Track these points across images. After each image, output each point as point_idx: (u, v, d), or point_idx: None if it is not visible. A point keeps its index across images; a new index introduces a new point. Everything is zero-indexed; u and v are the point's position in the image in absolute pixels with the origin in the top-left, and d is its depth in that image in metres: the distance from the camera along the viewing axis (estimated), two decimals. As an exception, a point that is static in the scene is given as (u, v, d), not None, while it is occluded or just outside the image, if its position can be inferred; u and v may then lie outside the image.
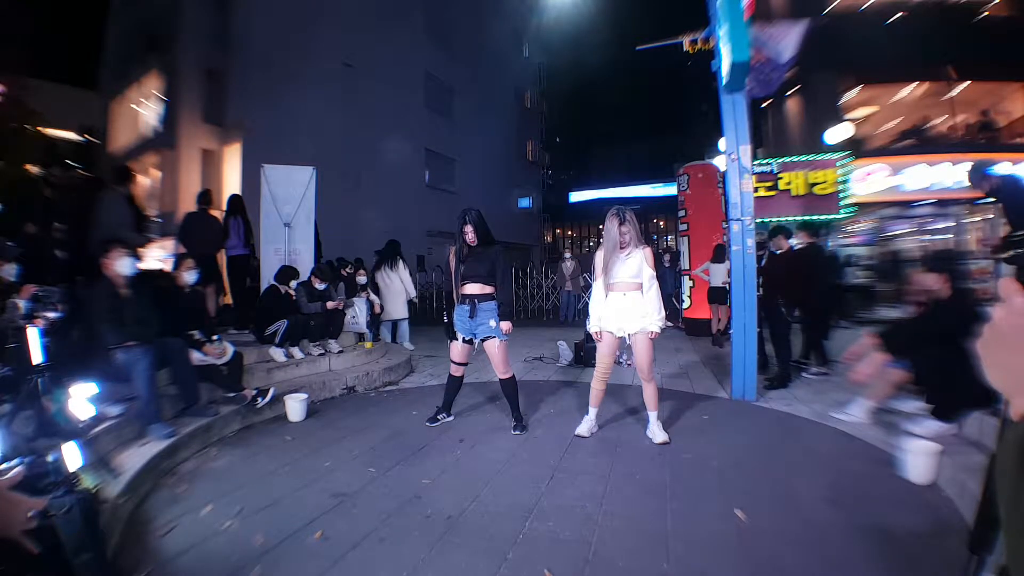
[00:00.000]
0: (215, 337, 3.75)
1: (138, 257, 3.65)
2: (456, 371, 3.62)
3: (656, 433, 3.22)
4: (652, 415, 3.28)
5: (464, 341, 3.49)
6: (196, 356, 3.56)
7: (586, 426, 3.39)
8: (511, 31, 22.71)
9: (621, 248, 3.16)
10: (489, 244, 3.43)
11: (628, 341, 3.24)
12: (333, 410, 4.18)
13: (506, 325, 3.39)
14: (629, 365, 5.31)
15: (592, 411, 3.41)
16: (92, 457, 2.37)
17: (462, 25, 18.62)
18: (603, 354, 3.29)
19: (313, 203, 5.99)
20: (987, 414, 2.74)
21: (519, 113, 23.91)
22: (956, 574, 0.90)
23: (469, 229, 3.37)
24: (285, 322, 4.58)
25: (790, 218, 9.95)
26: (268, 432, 3.63)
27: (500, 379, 3.53)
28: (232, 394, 3.73)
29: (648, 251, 3.18)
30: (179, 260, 3.94)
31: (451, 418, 3.78)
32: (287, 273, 4.91)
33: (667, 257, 9.69)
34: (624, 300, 3.16)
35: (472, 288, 3.40)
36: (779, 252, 4.83)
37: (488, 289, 3.40)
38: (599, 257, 3.24)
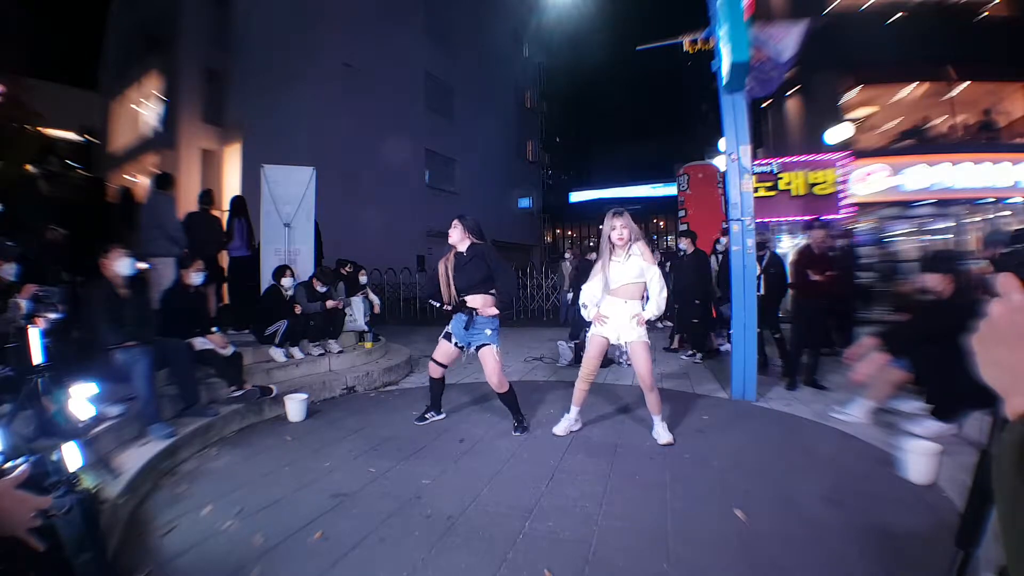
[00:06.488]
0: (214, 329, 3.78)
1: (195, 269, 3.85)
2: (435, 372, 3.56)
3: (661, 434, 3.21)
4: (656, 419, 3.27)
5: (455, 346, 3.45)
6: (198, 341, 3.57)
7: (564, 424, 3.38)
8: (511, 31, 22.69)
9: (621, 248, 3.13)
10: (479, 244, 3.39)
11: (624, 348, 3.22)
12: (333, 410, 4.18)
13: (486, 302, 3.27)
14: (629, 365, 5.30)
15: (574, 410, 3.40)
16: (92, 457, 2.37)
17: (462, 25, 18.61)
18: (590, 356, 3.27)
19: (313, 203, 5.99)
20: (987, 414, 2.73)
21: (519, 113, 23.89)
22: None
23: (458, 232, 3.35)
24: (285, 322, 4.58)
25: (790, 218, 9.96)
26: (268, 432, 3.63)
27: (497, 394, 3.45)
28: (233, 387, 3.73)
29: (642, 244, 3.13)
30: (187, 261, 3.95)
31: (442, 416, 3.75)
32: (280, 271, 4.90)
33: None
34: (624, 308, 3.13)
35: (476, 301, 3.33)
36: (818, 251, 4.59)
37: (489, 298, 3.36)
38: (599, 264, 3.22)
